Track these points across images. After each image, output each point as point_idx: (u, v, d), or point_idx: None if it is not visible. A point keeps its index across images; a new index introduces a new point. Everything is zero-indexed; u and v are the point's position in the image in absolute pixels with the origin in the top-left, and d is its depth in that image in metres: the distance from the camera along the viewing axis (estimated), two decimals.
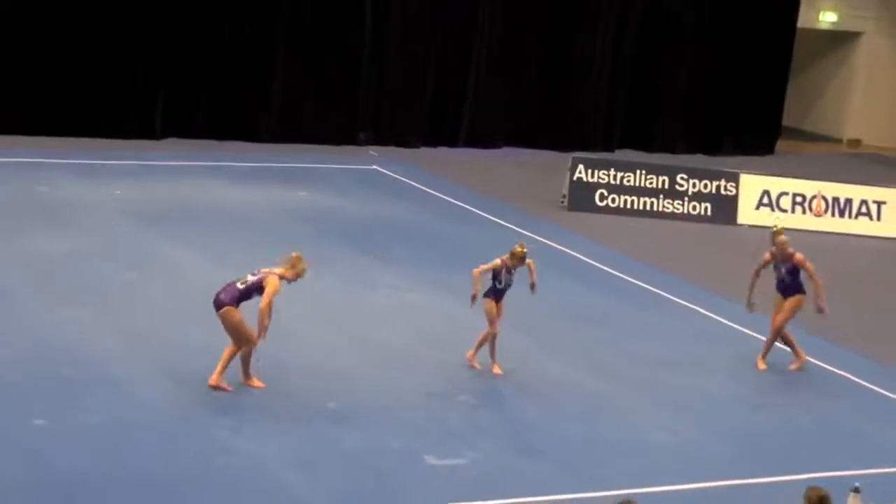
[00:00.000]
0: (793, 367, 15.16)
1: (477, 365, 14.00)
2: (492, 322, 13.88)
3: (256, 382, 13.02)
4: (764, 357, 15.18)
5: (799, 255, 15.14)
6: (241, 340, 12.85)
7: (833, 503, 8.64)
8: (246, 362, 12.98)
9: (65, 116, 24.33)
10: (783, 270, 15.18)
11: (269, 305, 12.69)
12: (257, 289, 12.78)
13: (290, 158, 24.36)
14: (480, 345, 14.02)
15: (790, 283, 15.16)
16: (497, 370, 13.93)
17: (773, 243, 15.25)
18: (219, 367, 12.87)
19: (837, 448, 13.04)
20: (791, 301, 15.12)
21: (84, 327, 14.26)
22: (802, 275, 15.18)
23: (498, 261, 13.87)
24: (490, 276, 13.92)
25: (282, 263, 12.92)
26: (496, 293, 13.91)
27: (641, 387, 14.09)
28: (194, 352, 13.76)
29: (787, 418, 13.75)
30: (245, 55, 25.64)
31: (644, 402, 13.77)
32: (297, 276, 12.99)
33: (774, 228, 15.49)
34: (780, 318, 15.12)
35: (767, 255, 15.29)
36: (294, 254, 12.99)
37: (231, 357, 12.92)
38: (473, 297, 13.83)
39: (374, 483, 11.20)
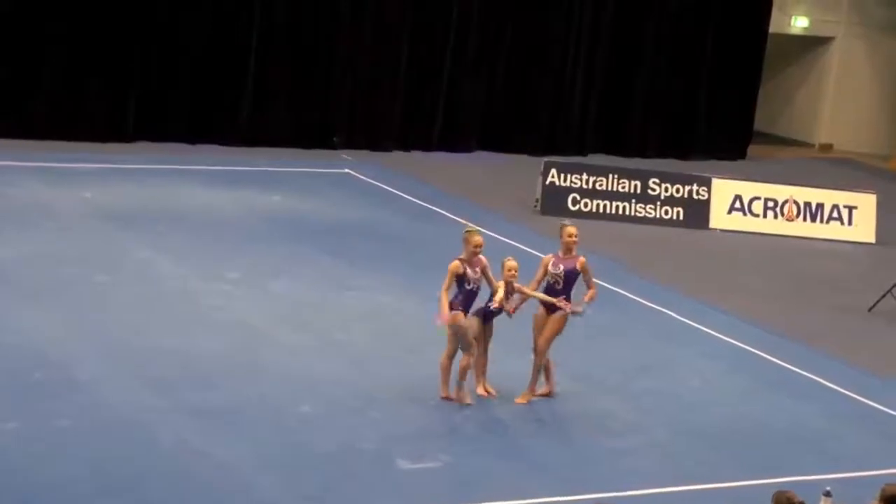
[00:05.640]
0: (541, 391, 13.67)
1: (493, 392, 13.50)
2: (476, 341, 13.36)
3: (468, 399, 13.20)
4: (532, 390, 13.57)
5: (582, 259, 13.53)
6: (464, 347, 13.03)
7: None
8: (462, 372, 13.13)
9: (34, 119, 24.18)
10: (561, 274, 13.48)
11: (445, 288, 12.98)
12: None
13: (262, 162, 24.31)
14: (478, 372, 13.54)
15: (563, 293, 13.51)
16: (485, 391, 13.52)
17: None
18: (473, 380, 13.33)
19: (808, 451, 13.10)
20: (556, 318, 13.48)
21: (55, 330, 14.20)
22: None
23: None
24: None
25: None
26: (483, 313, 13.42)
27: (614, 389, 14.12)
28: (166, 355, 13.74)
29: (757, 421, 13.79)
30: (217, 58, 25.54)
31: (616, 404, 13.80)
32: (473, 251, 13.12)
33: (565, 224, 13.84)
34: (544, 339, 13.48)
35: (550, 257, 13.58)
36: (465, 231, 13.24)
37: (464, 368, 13.20)
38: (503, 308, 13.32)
39: (347, 486, 11.19)
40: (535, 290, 13.58)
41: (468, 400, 13.17)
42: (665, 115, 29.60)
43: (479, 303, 13.47)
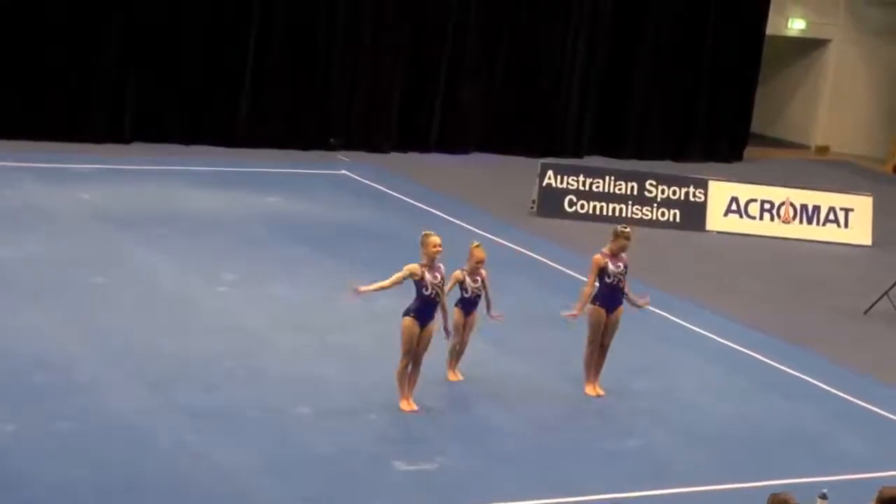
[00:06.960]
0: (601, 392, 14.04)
1: (459, 377, 13.89)
2: (455, 331, 13.66)
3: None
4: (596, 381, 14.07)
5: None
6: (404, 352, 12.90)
7: None
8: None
9: (32, 119, 24.18)
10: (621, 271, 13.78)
11: (391, 283, 12.75)
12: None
13: (259, 163, 24.34)
14: (451, 357, 13.93)
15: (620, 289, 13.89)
16: (454, 377, 13.85)
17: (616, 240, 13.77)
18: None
19: (805, 453, 13.13)
20: (618, 314, 13.94)
21: (53, 332, 14.21)
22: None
23: (458, 272, 13.56)
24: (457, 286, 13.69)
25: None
26: (463, 303, 13.72)
27: (611, 392, 14.13)
28: (165, 357, 13.76)
29: (754, 423, 13.83)
30: (214, 60, 25.57)
31: (613, 407, 13.83)
32: (432, 252, 12.58)
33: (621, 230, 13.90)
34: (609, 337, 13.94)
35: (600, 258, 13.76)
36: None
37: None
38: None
39: (344, 488, 11.22)
40: (591, 291, 13.78)
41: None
42: (662, 117, 29.64)
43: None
